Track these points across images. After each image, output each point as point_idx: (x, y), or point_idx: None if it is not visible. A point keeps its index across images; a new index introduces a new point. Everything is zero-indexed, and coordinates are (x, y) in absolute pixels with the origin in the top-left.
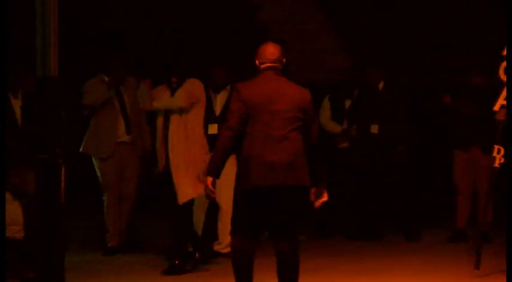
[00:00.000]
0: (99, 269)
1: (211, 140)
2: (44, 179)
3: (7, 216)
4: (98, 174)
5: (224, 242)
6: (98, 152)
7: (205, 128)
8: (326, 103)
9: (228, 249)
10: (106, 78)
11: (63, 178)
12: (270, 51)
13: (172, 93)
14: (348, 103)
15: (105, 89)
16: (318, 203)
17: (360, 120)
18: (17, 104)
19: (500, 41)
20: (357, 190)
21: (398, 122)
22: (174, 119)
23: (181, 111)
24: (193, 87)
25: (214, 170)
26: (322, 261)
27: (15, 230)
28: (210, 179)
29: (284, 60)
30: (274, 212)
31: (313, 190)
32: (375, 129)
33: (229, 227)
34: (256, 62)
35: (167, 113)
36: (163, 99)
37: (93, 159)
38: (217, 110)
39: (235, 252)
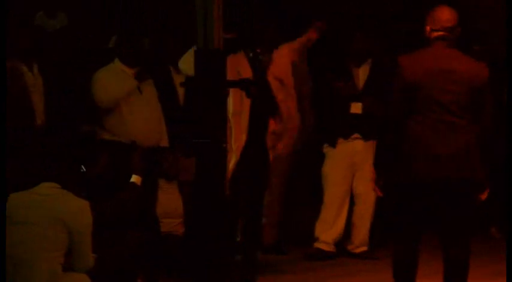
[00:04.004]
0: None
1: (355, 119)
2: (205, 167)
3: (159, 207)
4: None
5: (358, 241)
6: None
7: (347, 106)
8: None
9: (361, 249)
10: None
11: (228, 166)
12: (446, 17)
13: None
14: None
15: None
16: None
17: None
18: (178, 80)
19: None
20: None
21: None
22: None
23: None
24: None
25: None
26: None
27: (171, 224)
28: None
29: (459, 30)
30: (442, 210)
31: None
32: None
33: (366, 224)
34: (427, 28)
35: None
36: None
37: None
38: (360, 86)
39: (398, 263)
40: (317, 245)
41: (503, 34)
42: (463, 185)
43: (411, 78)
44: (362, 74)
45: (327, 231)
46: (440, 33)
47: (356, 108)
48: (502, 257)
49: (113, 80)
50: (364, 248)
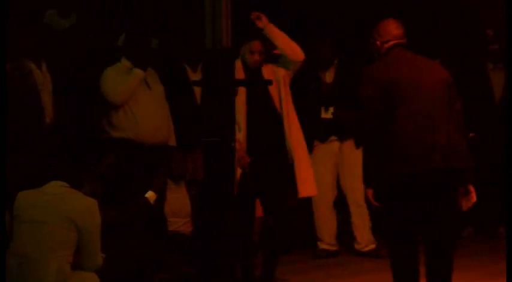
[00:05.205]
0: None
1: (326, 124)
2: (214, 166)
3: (167, 207)
4: None
5: (363, 240)
6: None
7: (318, 111)
8: None
9: (370, 247)
10: None
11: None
12: (393, 27)
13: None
14: None
15: None
16: (465, 207)
17: None
18: (194, 79)
19: None
20: None
21: None
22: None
23: None
24: None
25: (373, 175)
26: None
27: (177, 223)
28: (371, 192)
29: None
30: (434, 205)
31: (460, 190)
32: None
33: (367, 222)
34: (377, 42)
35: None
36: None
37: None
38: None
39: (397, 264)
40: (321, 245)
41: (504, 34)
42: (454, 174)
43: (384, 83)
44: (328, 78)
45: (326, 231)
46: (393, 42)
47: (326, 113)
48: (502, 257)
49: (121, 76)
50: (372, 246)
